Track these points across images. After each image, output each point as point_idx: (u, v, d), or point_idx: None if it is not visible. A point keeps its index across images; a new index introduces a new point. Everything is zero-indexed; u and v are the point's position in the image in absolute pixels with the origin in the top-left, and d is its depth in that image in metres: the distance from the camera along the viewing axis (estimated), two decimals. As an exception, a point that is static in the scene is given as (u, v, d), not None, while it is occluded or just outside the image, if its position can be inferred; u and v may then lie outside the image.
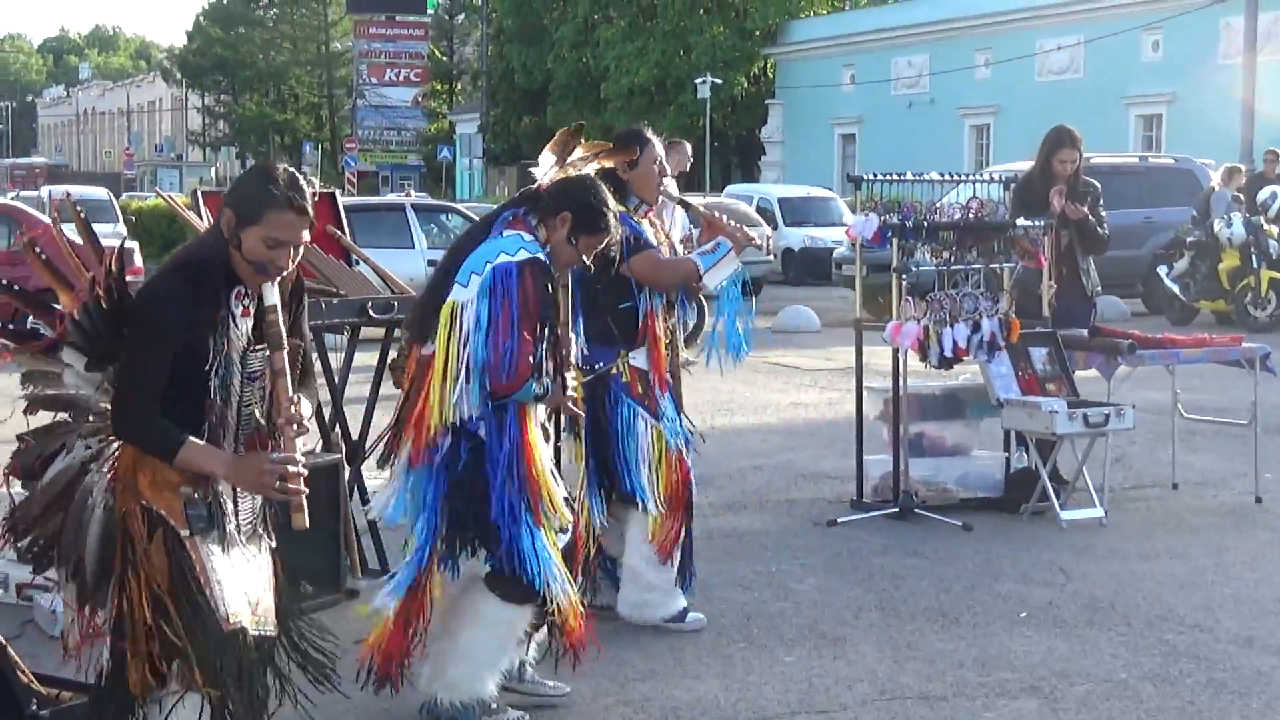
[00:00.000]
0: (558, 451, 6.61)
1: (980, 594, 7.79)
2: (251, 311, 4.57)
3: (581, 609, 5.84)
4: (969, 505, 9.63)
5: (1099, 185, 10.32)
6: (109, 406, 4.60)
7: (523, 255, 5.58)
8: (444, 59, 79.57)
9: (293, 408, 4.48)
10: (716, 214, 7.31)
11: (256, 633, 4.65)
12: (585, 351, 6.85)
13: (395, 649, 5.86)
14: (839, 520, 9.29)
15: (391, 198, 33.61)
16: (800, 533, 9.12)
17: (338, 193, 9.27)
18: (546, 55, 64.10)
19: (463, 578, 5.79)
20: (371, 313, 7.91)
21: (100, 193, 37.32)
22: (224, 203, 4.58)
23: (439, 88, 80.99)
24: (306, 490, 4.51)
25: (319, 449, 7.87)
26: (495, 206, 6.19)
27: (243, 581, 4.64)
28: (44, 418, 4.75)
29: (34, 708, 5.58)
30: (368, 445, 8.00)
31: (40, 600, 7.19)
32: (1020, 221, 9.69)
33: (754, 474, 10.83)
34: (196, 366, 4.50)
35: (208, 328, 4.49)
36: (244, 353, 4.57)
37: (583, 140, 6.10)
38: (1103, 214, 10.16)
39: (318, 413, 8.24)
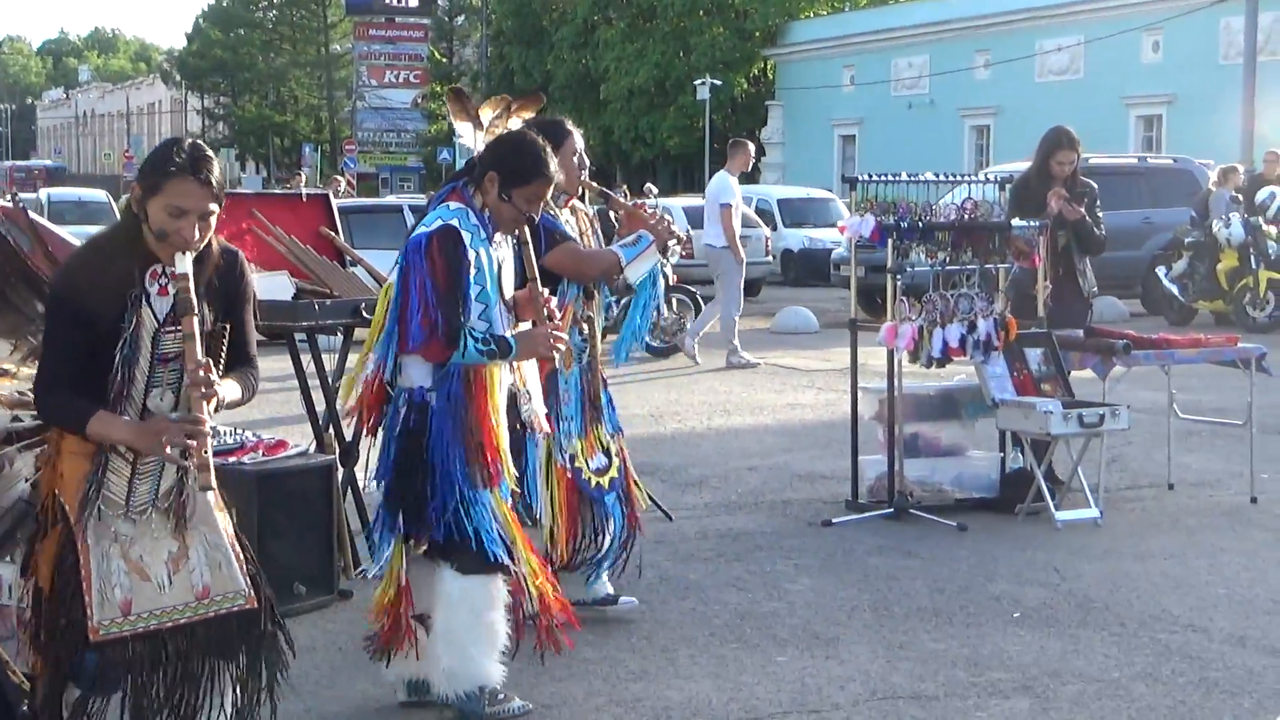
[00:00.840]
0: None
1: (974, 594, 7.78)
2: (170, 291, 4.51)
3: (548, 583, 5.89)
4: (964, 506, 9.63)
5: (1096, 186, 10.32)
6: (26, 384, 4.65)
7: (437, 224, 5.68)
8: (444, 61, 79.57)
9: (200, 371, 4.37)
10: (640, 206, 7.29)
11: (154, 625, 4.58)
12: None
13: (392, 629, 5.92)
14: (834, 521, 9.29)
15: (390, 199, 33.61)
16: (795, 533, 9.12)
17: (331, 194, 9.27)
18: (546, 57, 64.15)
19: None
20: (365, 314, 7.90)
21: (99, 195, 37.37)
22: (134, 179, 4.61)
23: (439, 89, 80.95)
24: (207, 451, 4.39)
25: (312, 450, 7.88)
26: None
27: (170, 565, 4.61)
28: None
29: (25, 709, 5.59)
30: (361, 447, 8.01)
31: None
32: (1016, 222, 9.70)
33: (749, 474, 10.83)
34: (107, 345, 4.49)
35: (115, 305, 4.47)
36: (156, 332, 4.52)
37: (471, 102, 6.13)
38: (1100, 214, 10.16)
39: (311, 413, 8.27)
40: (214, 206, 4.52)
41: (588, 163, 7.20)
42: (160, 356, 4.53)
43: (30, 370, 4.68)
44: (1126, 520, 9.47)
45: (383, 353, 5.75)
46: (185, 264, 4.43)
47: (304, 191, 9.08)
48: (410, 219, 21.71)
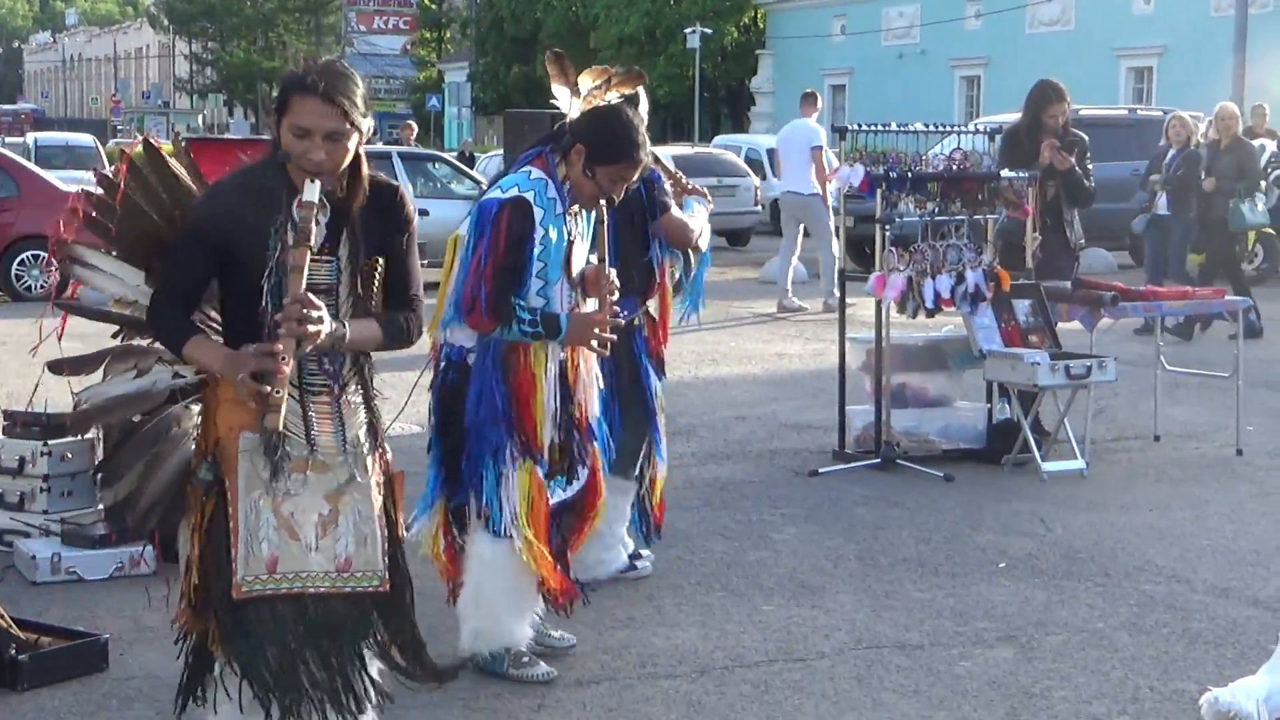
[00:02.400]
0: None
1: (960, 544, 7.81)
2: (321, 220, 4.33)
3: (550, 557, 5.78)
4: (951, 456, 9.65)
5: (1086, 138, 10.32)
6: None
7: (513, 193, 5.55)
8: (432, 7, 79.19)
9: (300, 306, 4.18)
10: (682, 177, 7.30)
11: (308, 589, 4.40)
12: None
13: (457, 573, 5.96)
14: (821, 471, 9.31)
15: (379, 146, 33.50)
16: (782, 483, 9.14)
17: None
18: (537, 4, 63.83)
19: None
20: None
21: (86, 139, 37.20)
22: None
23: (428, 36, 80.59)
24: (281, 392, 4.20)
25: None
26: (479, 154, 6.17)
27: (319, 527, 4.41)
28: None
29: (13, 652, 5.61)
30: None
31: (20, 546, 7.20)
32: (1005, 173, 9.69)
33: (737, 424, 10.85)
34: (254, 276, 4.31)
35: (261, 233, 4.31)
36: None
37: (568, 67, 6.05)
38: (1090, 166, 10.16)
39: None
40: (345, 127, 4.32)
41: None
42: (311, 286, 4.28)
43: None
44: (1112, 472, 9.50)
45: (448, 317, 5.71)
46: (313, 191, 4.25)
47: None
48: (400, 166, 21.71)
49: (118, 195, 4.48)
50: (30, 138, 37.58)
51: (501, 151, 9.52)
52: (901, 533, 8.01)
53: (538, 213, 5.55)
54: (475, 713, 5.55)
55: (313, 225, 4.26)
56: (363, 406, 4.53)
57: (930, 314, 9.32)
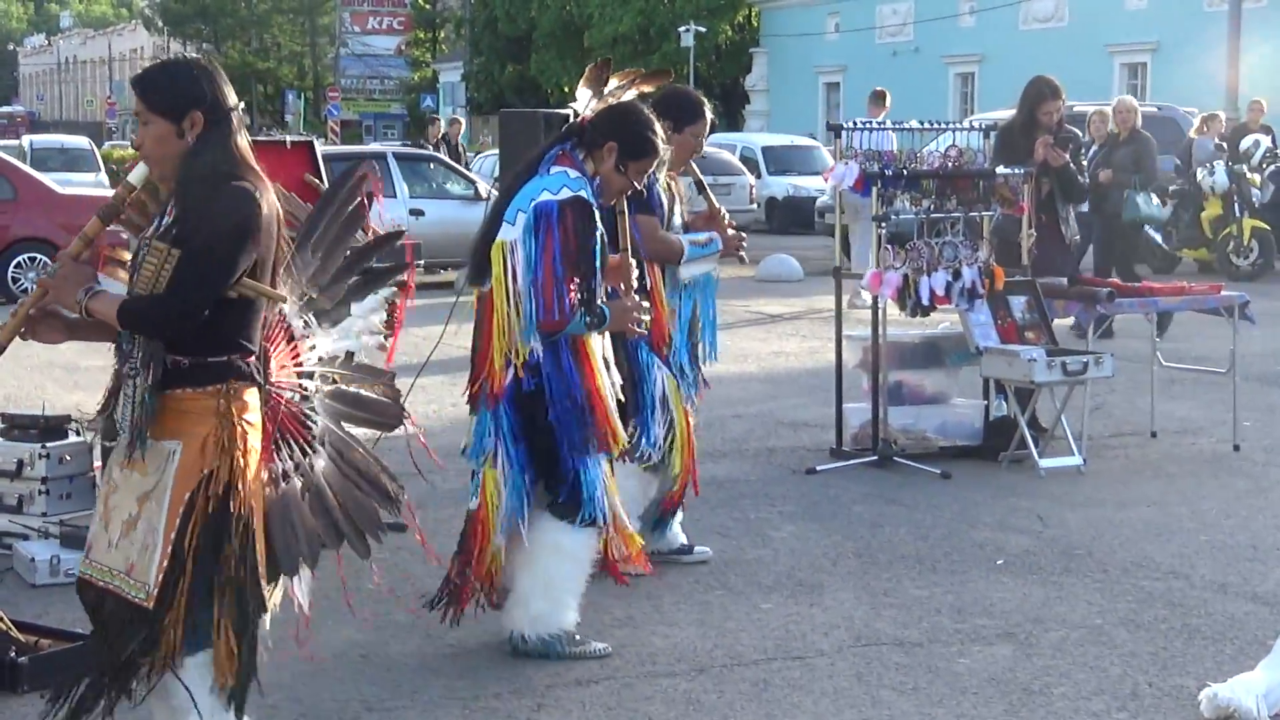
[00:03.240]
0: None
1: (958, 541, 7.82)
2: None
3: (636, 537, 6.15)
4: (948, 453, 9.66)
5: (1080, 133, 10.33)
6: None
7: (565, 194, 5.70)
8: (426, 7, 79.10)
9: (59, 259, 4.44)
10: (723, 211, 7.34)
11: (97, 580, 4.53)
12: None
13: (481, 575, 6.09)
14: (818, 468, 9.31)
15: (374, 146, 33.50)
16: (779, 481, 9.15)
17: (316, 141, 9.24)
18: (530, 3, 63.75)
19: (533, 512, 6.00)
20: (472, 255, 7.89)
21: (82, 141, 37.17)
22: None
23: (422, 36, 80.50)
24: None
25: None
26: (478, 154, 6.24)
27: (124, 527, 4.49)
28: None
29: (13, 654, 5.61)
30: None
31: (20, 548, 7.20)
32: (1000, 169, 9.69)
33: (734, 422, 10.85)
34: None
35: None
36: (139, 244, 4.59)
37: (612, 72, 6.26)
38: (1083, 163, 10.17)
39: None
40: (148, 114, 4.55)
41: (704, 148, 7.24)
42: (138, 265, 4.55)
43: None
44: (1109, 468, 9.51)
45: (530, 319, 5.75)
46: (138, 174, 4.58)
47: (288, 138, 9.04)
48: (395, 166, 21.67)
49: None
50: (25, 140, 37.54)
51: (497, 151, 9.50)
52: (899, 530, 8.02)
53: (593, 208, 5.75)
54: (475, 712, 5.55)
55: (121, 203, 4.57)
56: (134, 400, 4.40)
57: (925, 312, 9.31)
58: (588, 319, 5.74)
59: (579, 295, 5.68)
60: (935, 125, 10.15)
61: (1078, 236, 10.32)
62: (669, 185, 7.13)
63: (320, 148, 9.47)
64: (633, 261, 6.10)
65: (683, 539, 7.44)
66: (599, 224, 5.78)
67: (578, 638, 6.09)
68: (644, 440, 6.97)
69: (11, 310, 4.51)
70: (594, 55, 58.57)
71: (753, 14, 61.43)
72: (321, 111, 67.18)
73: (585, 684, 5.83)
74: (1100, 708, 5.62)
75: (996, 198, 9.65)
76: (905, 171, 9.32)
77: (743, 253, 7.43)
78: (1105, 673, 5.97)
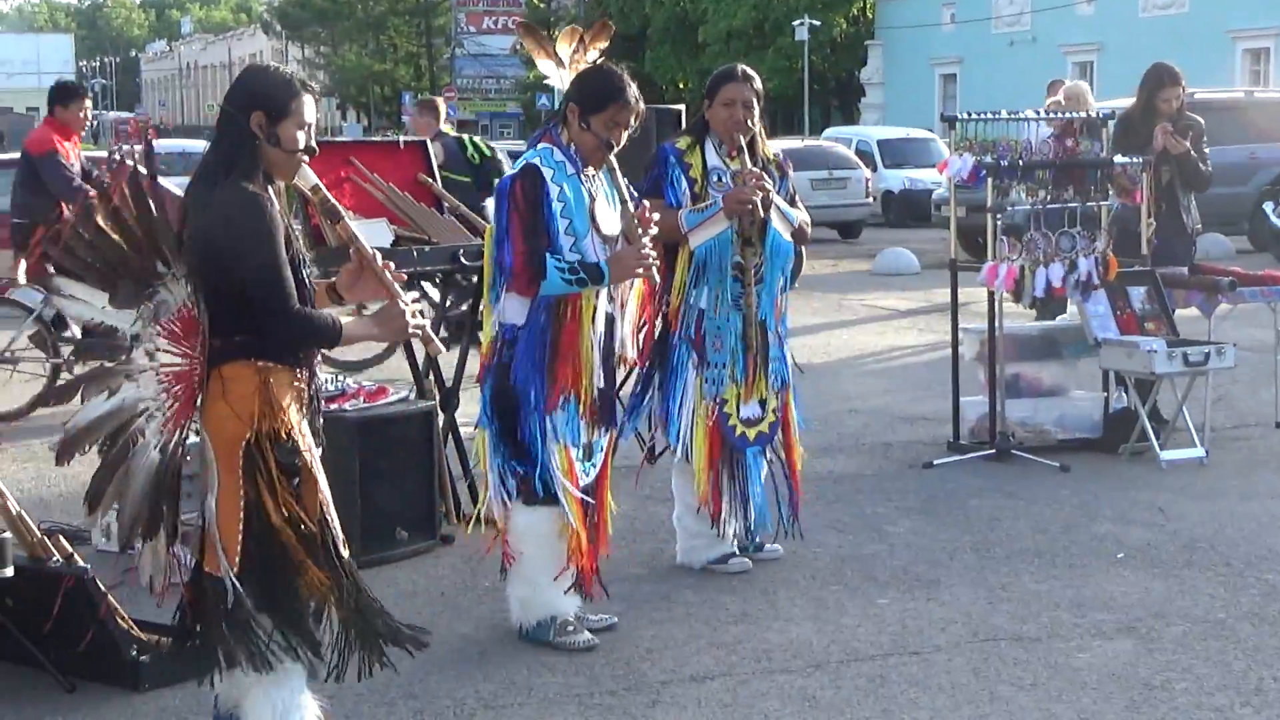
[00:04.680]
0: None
1: (1077, 535, 7.73)
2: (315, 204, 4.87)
3: (583, 528, 6.04)
4: (1067, 446, 9.55)
5: (1202, 121, 10.18)
6: (154, 341, 4.62)
7: (521, 166, 5.91)
8: (541, 6, 79.34)
9: (379, 257, 4.81)
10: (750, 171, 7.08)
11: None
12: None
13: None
14: (935, 462, 9.25)
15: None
16: (896, 475, 9.09)
17: (428, 141, 9.29)
18: (644, 0, 63.89)
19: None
20: (463, 260, 7.94)
21: (201, 146, 37.64)
22: (250, 109, 4.67)
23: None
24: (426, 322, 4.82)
25: (413, 396, 7.92)
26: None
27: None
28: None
29: (134, 653, 5.69)
30: (460, 391, 8.06)
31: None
32: (1118, 159, 9.57)
33: (850, 417, 10.80)
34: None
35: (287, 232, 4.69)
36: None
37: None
38: (1205, 150, 10.02)
39: (412, 360, 8.32)
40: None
41: (740, 118, 6.91)
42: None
43: (154, 335, 4.63)
44: (1232, 459, 9.36)
45: (494, 297, 5.97)
46: (311, 175, 4.77)
47: (401, 139, 9.10)
48: (508, 166, 21.76)
49: (92, 226, 4.64)
50: (138, 145, 38.01)
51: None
52: (1017, 524, 7.94)
53: (547, 172, 5.87)
54: (590, 709, 5.55)
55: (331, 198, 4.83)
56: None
57: (1042, 303, 9.22)
58: (565, 275, 5.78)
59: (533, 255, 5.76)
60: (1049, 115, 10.02)
61: (1199, 225, 10.16)
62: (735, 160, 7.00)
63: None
64: (645, 205, 6.09)
65: (728, 548, 7.23)
66: (564, 186, 5.87)
67: (569, 626, 6.08)
68: (671, 435, 7.01)
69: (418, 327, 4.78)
70: (708, 51, 58.73)
71: (868, 6, 61.21)
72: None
73: (701, 680, 5.81)
74: (1224, 703, 5.53)
75: (1115, 188, 9.53)
76: (1021, 162, 9.22)
77: (761, 195, 6.81)
78: (1229, 668, 5.88)
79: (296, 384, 4.72)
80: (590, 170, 6.00)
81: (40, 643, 5.75)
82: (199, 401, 4.64)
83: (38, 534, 5.97)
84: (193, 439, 4.70)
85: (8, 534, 5.79)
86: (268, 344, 4.64)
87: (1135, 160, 9.56)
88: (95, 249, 4.58)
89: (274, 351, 4.66)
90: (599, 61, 6.30)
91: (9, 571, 5.70)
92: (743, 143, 6.94)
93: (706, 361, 6.95)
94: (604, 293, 6.00)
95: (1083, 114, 9.94)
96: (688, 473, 7.08)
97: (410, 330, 4.76)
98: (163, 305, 4.61)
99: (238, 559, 4.64)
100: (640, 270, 5.97)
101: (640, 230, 5.98)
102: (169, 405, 4.63)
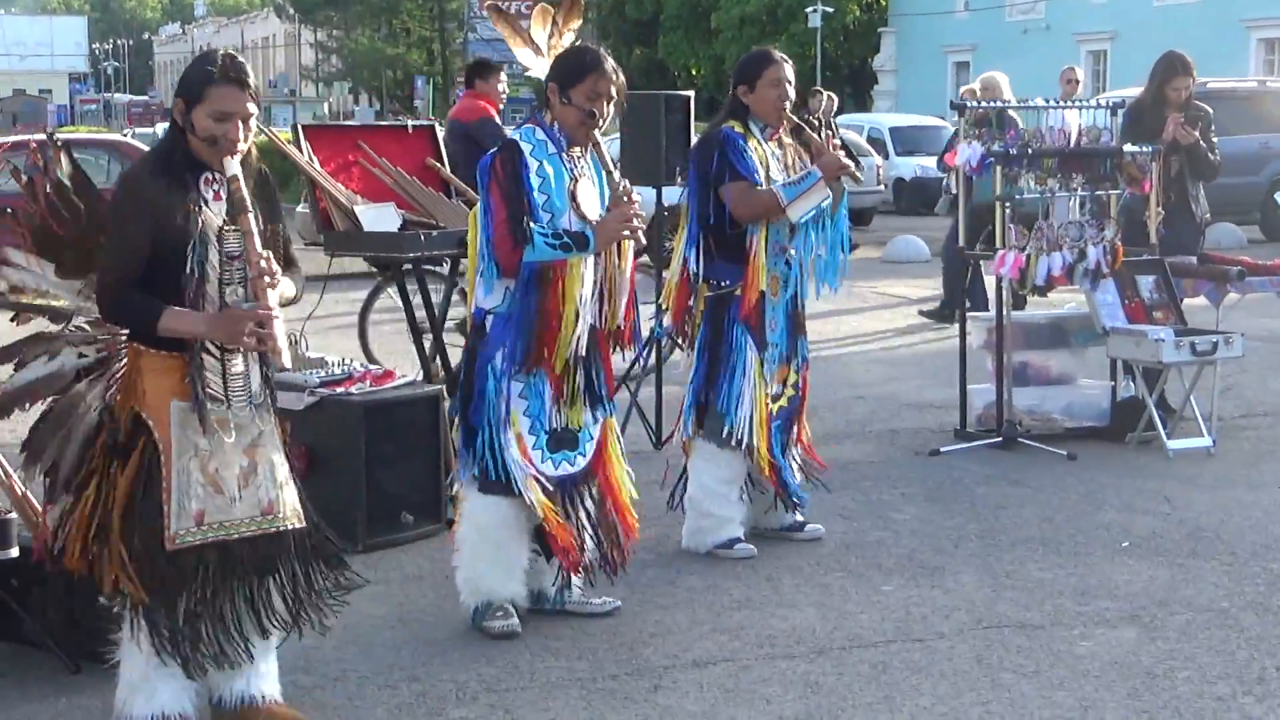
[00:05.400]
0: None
1: (1083, 523, 7.73)
2: (223, 195, 4.80)
3: (556, 512, 6.04)
4: (1074, 435, 9.54)
5: (1210, 110, 10.16)
6: (96, 315, 4.89)
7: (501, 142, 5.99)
8: (554, -10, 79.34)
9: (263, 262, 4.71)
10: (829, 138, 7.25)
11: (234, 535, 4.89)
12: (707, 264, 7.07)
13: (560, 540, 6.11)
14: (942, 450, 9.24)
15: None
16: (902, 462, 9.09)
17: (437, 125, 9.29)
18: (657, -15, 63.83)
19: None
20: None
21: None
22: (175, 96, 4.87)
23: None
24: (280, 336, 4.73)
25: (419, 380, 7.93)
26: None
27: (241, 479, 4.90)
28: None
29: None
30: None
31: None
32: (1128, 147, 9.55)
33: (857, 404, 10.80)
34: (176, 250, 4.73)
35: (178, 211, 4.73)
36: (220, 231, 4.78)
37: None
38: (1214, 139, 10.00)
39: (418, 344, 8.32)
40: (252, 108, 4.81)
41: (791, 95, 7.09)
42: (227, 254, 4.80)
43: (92, 304, 4.92)
44: (1240, 449, 9.35)
45: (479, 282, 6.00)
46: (234, 166, 4.77)
47: (410, 123, 9.11)
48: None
49: (40, 199, 4.93)
50: (159, 128, 38.10)
51: (618, 134, 9.53)
52: (1023, 511, 7.94)
53: (525, 147, 5.90)
54: (593, 694, 5.56)
55: (245, 192, 4.76)
56: (259, 363, 4.95)
57: (1041, 292, 9.22)
58: (551, 241, 5.79)
59: (515, 224, 5.78)
60: (1058, 103, 10.00)
61: (1208, 215, 10.14)
62: (778, 147, 7.12)
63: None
64: (624, 182, 6.01)
65: (797, 516, 7.40)
66: (544, 162, 5.90)
67: (500, 612, 6.09)
68: (728, 420, 7.02)
69: (256, 334, 4.74)
70: (720, 37, 58.66)
71: (881, -7, 61.05)
72: (450, 96, 67.59)
73: (703, 665, 5.82)
74: (1225, 692, 5.54)
75: (1124, 176, 9.51)
76: (1030, 150, 9.21)
77: (855, 172, 7.10)
78: (1231, 657, 5.88)
79: (175, 369, 4.80)
80: (576, 151, 6.01)
81: (44, 623, 5.76)
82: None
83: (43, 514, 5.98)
84: None
85: (12, 514, 5.81)
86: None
87: (1145, 149, 9.54)
88: (39, 222, 4.88)
89: (144, 334, 4.81)
90: (574, 43, 6.31)
91: (14, 552, 5.72)
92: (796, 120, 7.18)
93: (767, 343, 7.05)
94: (591, 262, 5.98)
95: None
96: (710, 453, 7.12)
97: (244, 340, 4.75)
98: None
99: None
100: (625, 232, 5.94)
101: (627, 197, 5.95)
102: (108, 374, 4.90)
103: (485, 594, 6.10)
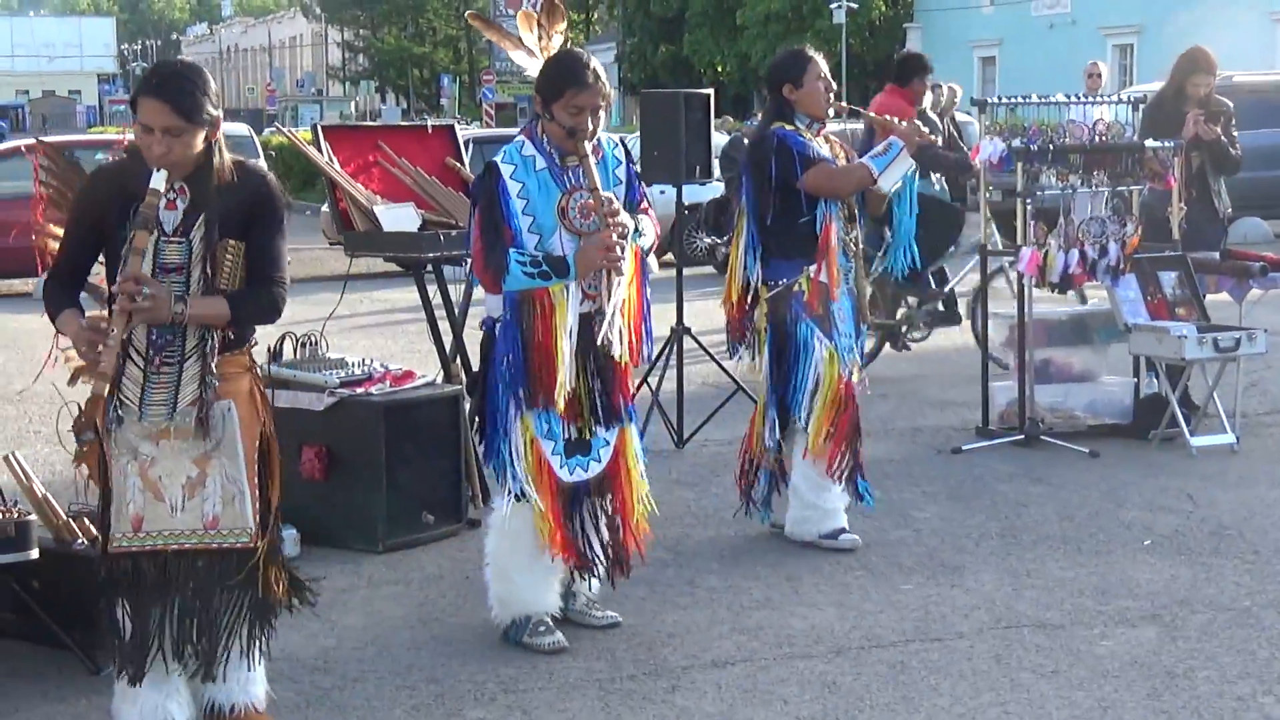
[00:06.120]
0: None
1: (1104, 521, 7.70)
2: (178, 206, 4.74)
3: (550, 515, 5.89)
4: (1097, 432, 9.51)
5: (1231, 105, 10.12)
6: None
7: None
8: (579, -13, 79.41)
9: (132, 284, 4.57)
10: (887, 117, 7.36)
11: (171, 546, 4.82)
12: (764, 267, 7.11)
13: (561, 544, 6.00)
14: (964, 447, 9.23)
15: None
16: (924, 460, 9.07)
17: (456, 125, 9.30)
18: (682, -17, 63.76)
19: None
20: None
21: (240, 129, 37.66)
22: None
23: (575, 18, 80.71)
24: (108, 364, 4.58)
25: (439, 380, 7.94)
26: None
27: (187, 490, 4.81)
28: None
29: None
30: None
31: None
32: (1149, 143, 9.51)
33: (880, 401, 10.75)
34: (112, 257, 4.78)
35: (123, 218, 4.68)
36: (158, 241, 4.71)
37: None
38: (1235, 134, 9.96)
39: (439, 344, 8.33)
40: (180, 123, 4.65)
41: (834, 86, 7.23)
42: (162, 265, 4.72)
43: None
44: (1263, 446, 9.32)
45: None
46: (159, 180, 4.65)
47: (430, 122, 9.11)
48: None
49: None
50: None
51: (639, 132, 9.54)
52: (1045, 510, 7.92)
53: (505, 169, 5.77)
54: (611, 694, 5.56)
55: (156, 212, 4.65)
56: (198, 378, 4.77)
57: (1062, 290, 9.20)
58: (528, 269, 5.66)
59: (490, 251, 5.70)
60: (1080, 99, 9.96)
61: (1230, 210, 10.10)
62: (825, 142, 7.18)
63: (476, 131, 9.56)
64: (608, 197, 5.76)
65: (833, 523, 7.32)
66: (527, 181, 5.76)
67: (542, 627, 5.96)
68: (801, 414, 7.06)
69: (101, 345, 4.65)
70: (746, 34, 58.59)
71: (907, -11, 60.92)
72: (476, 95, 67.63)
73: (721, 665, 5.82)
74: (1246, 691, 5.51)
75: (1145, 172, 9.47)
76: (1051, 146, 9.18)
77: (932, 136, 7.38)
78: (1253, 656, 5.85)
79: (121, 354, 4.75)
80: (573, 160, 5.80)
81: (66, 625, 5.78)
82: None
83: (63, 516, 6.02)
84: None
85: (33, 516, 5.83)
86: None
87: (1167, 144, 9.50)
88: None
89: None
90: (563, 47, 6.13)
91: (35, 554, 5.74)
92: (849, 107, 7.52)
93: (839, 331, 7.10)
94: (574, 289, 5.73)
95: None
96: (804, 443, 7.17)
97: (80, 351, 4.83)
98: None
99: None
100: (603, 262, 5.68)
101: (607, 221, 5.70)
102: None
103: (522, 608, 5.98)
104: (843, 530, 7.26)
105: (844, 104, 7.39)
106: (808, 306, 7.07)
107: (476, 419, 6.06)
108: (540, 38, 6.10)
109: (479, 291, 8.42)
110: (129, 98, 4.81)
